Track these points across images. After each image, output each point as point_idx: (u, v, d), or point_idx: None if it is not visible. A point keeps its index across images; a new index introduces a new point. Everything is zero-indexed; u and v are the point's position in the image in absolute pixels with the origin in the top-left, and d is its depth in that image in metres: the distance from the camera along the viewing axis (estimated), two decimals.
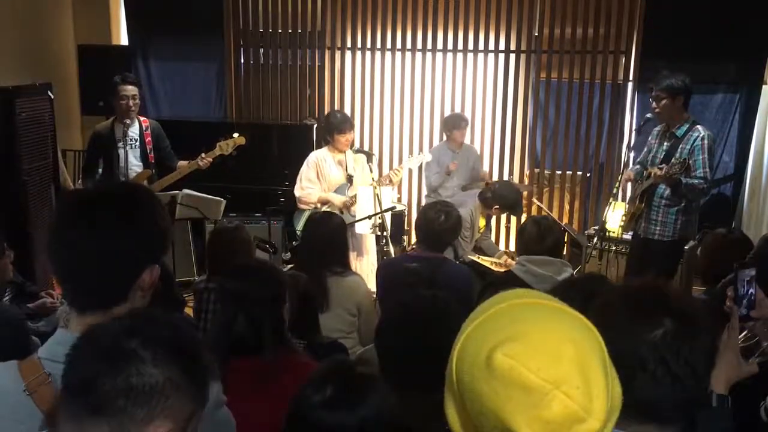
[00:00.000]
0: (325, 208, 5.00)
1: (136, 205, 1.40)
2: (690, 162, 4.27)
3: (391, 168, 6.47)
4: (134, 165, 5.02)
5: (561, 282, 3.01)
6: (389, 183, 5.23)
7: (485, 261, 5.10)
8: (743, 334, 1.89)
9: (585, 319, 1.01)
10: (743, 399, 1.86)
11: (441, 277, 3.44)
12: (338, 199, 5.03)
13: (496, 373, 0.93)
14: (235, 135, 5.15)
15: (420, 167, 6.26)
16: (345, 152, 5.13)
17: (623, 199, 5.13)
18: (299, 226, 5.01)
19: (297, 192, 5.14)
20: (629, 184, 4.76)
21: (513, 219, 6.52)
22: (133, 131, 5.02)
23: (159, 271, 1.41)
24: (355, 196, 5.03)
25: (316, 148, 5.57)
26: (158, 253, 1.42)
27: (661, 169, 4.25)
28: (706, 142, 4.29)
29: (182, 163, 5.09)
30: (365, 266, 5.10)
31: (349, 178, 5.12)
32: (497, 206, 5.11)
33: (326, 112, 6.60)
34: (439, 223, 3.62)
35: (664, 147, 4.45)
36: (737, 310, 1.84)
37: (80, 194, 1.58)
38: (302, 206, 5.13)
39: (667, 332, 1.31)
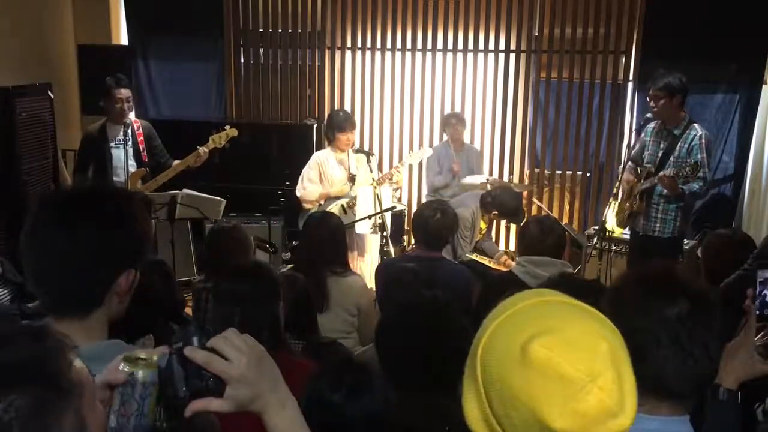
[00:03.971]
0: (330, 207, 5.01)
1: (113, 208, 1.37)
2: (688, 161, 4.29)
3: (391, 167, 6.47)
4: (128, 165, 5.01)
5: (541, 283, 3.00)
6: (392, 182, 5.23)
7: (484, 260, 5.09)
8: (761, 334, 1.89)
9: (607, 319, 1.03)
10: (748, 396, 1.87)
11: (439, 277, 3.44)
12: (336, 188, 5.03)
13: (532, 364, 0.93)
14: (227, 127, 5.15)
15: (420, 165, 6.26)
16: (346, 152, 5.14)
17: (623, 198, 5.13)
18: None
19: (298, 192, 5.15)
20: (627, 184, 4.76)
21: None
22: (125, 131, 5.01)
23: (136, 275, 1.39)
24: (355, 197, 5.03)
25: (317, 148, 5.58)
26: (135, 258, 1.39)
27: (666, 172, 4.25)
28: (704, 141, 4.31)
29: (176, 161, 5.09)
30: (365, 266, 5.11)
31: (352, 178, 5.12)
32: (495, 212, 5.05)
33: (326, 112, 6.62)
34: (435, 220, 3.62)
35: (662, 146, 4.46)
36: (755, 308, 1.85)
37: (56, 196, 1.55)
38: (306, 205, 5.14)
39: (682, 312, 1.36)
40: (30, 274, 1.37)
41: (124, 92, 4.93)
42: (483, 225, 5.26)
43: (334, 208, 5.05)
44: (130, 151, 4.99)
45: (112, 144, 4.96)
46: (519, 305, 1.03)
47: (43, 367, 0.84)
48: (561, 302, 1.04)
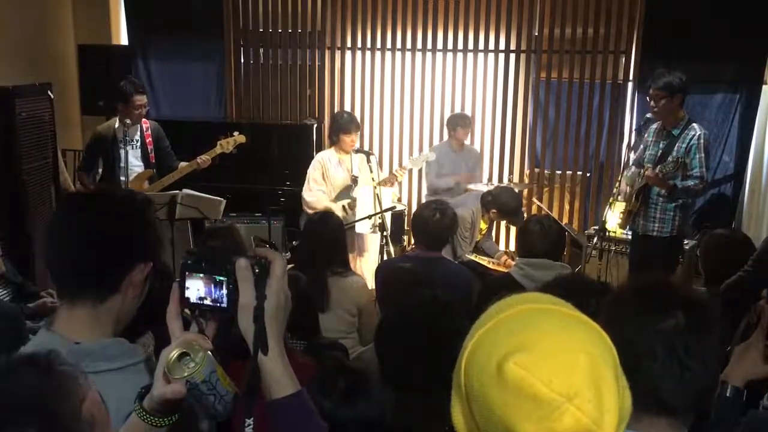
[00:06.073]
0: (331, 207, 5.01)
1: (131, 203, 1.45)
2: (686, 161, 4.28)
3: (391, 168, 6.48)
4: (135, 165, 5.04)
5: (543, 286, 2.99)
6: (394, 183, 5.24)
7: (483, 260, 5.09)
8: None
9: (597, 326, 1.00)
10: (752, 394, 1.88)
11: (438, 277, 3.44)
12: (339, 210, 5.04)
13: (507, 383, 0.91)
14: (236, 133, 5.18)
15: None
16: (349, 153, 5.15)
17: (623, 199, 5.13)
18: None
19: (306, 195, 5.16)
20: (626, 185, 4.77)
21: None
22: (135, 132, 5.05)
23: (151, 269, 1.42)
24: (355, 197, 5.04)
25: (317, 148, 5.58)
26: (150, 252, 1.44)
27: (654, 168, 4.27)
28: (702, 141, 4.30)
29: (183, 163, 5.12)
30: (365, 266, 5.11)
31: (354, 179, 5.12)
32: (495, 210, 5.06)
33: (327, 112, 6.63)
34: (434, 221, 3.62)
35: (661, 146, 4.46)
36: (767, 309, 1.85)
37: (79, 195, 1.63)
38: (308, 210, 5.13)
39: (678, 324, 1.33)
40: (50, 259, 1.41)
41: (141, 98, 4.97)
42: (483, 225, 5.26)
43: (336, 207, 5.05)
44: (138, 152, 5.03)
45: (121, 144, 4.99)
46: (503, 314, 1.00)
47: (46, 409, 0.82)
48: (545, 310, 1.01)
